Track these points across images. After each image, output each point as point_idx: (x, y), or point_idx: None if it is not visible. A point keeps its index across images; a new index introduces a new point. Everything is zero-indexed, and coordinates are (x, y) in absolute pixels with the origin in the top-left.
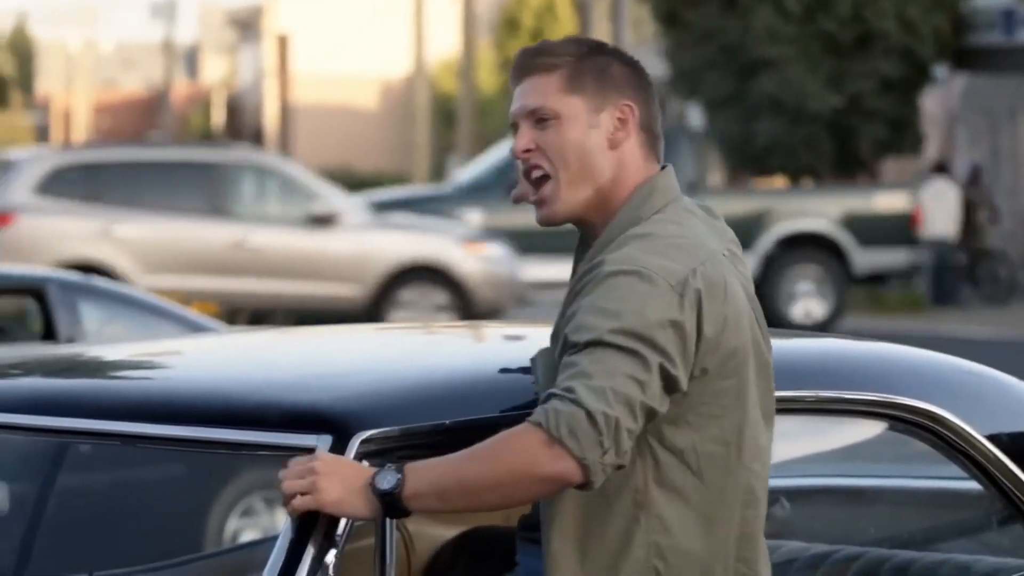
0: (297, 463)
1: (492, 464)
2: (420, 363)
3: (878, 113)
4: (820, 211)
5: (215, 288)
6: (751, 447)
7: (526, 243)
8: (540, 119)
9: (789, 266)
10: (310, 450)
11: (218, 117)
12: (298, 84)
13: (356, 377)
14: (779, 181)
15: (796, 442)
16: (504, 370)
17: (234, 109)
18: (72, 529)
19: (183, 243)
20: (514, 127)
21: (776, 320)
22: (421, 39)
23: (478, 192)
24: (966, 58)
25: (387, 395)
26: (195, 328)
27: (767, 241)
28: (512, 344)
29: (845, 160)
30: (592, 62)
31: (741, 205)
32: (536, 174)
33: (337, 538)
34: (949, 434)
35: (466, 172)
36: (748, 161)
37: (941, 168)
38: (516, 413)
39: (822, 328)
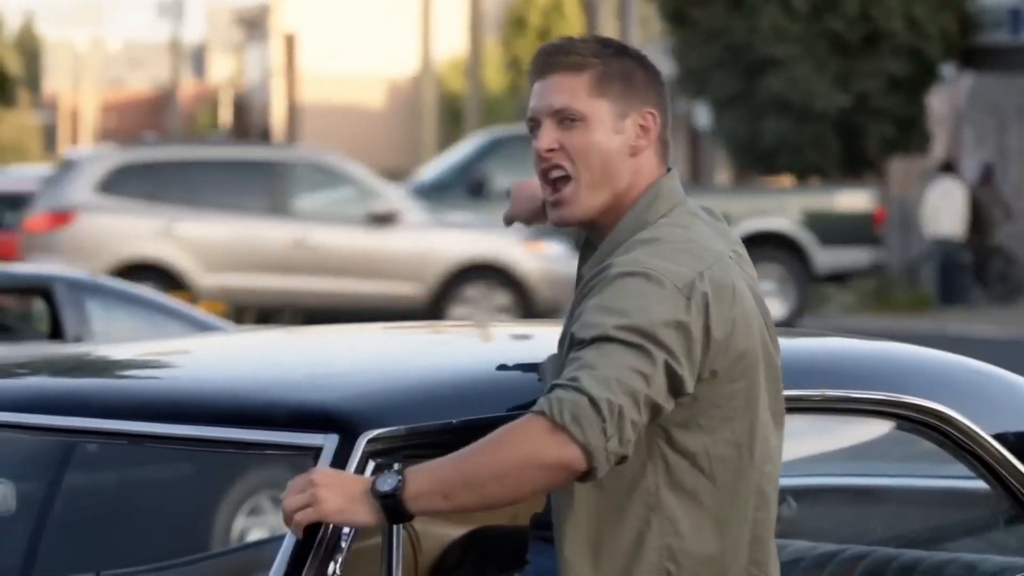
0: (296, 481)
1: (496, 455)
2: (427, 362)
3: (885, 112)
4: (781, 210)
5: (275, 287)
6: (762, 449)
7: None
8: (566, 119)
9: None
10: (317, 449)
11: (225, 116)
12: (305, 83)
13: (363, 376)
14: (786, 180)
15: (803, 441)
16: (511, 369)
17: (241, 108)
18: (79, 528)
19: (243, 242)
20: (533, 123)
21: None
22: (428, 38)
23: (439, 191)
24: (973, 57)
25: (394, 394)
26: (202, 327)
27: None
28: (519, 343)
29: (852, 159)
30: (618, 66)
31: (702, 204)
32: (556, 174)
33: (344, 537)
34: (956, 433)
35: (427, 171)
36: (755, 160)
37: (948, 167)
38: (523, 413)
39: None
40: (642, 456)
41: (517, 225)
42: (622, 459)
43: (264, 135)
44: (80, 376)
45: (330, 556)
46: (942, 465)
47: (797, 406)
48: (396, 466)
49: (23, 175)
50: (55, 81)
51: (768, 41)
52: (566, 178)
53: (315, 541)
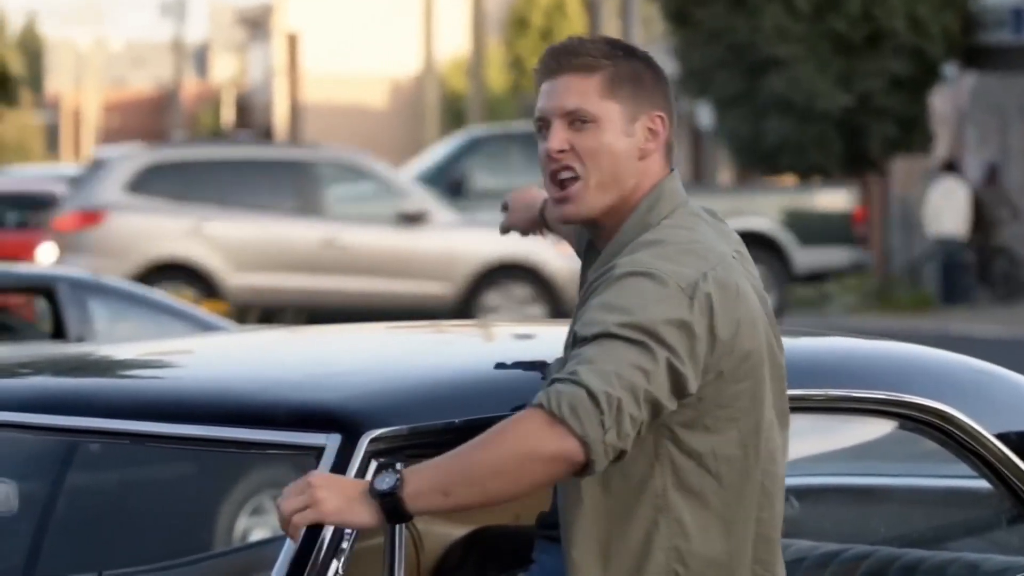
0: (292, 485)
1: (495, 450)
2: (429, 362)
3: (888, 112)
4: (760, 210)
5: (305, 286)
6: (767, 449)
7: None
8: (577, 120)
9: None
10: (319, 449)
11: (228, 116)
12: (308, 83)
13: (365, 376)
14: (789, 180)
15: (805, 441)
16: (513, 369)
17: (244, 108)
18: (81, 528)
19: (273, 241)
20: (542, 123)
21: None
22: (430, 38)
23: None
24: (976, 57)
25: (396, 394)
26: (205, 327)
27: None
28: (521, 343)
29: (854, 159)
30: (628, 68)
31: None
32: (565, 175)
33: (346, 537)
34: (959, 433)
35: (406, 171)
36: (758, 160)
37: (951, 167)
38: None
39: None
40: (649, 457)
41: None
42: (621, 454)
43: (267, 135)
44: (82, 376)
45: (332, 556)
46: (944, 465)
47: (800, 405)
48: (399, 466)
49: (25, 175)
50: (57, 81)
51: (770, 41)
52: (574, 178)
53: (317, 541)
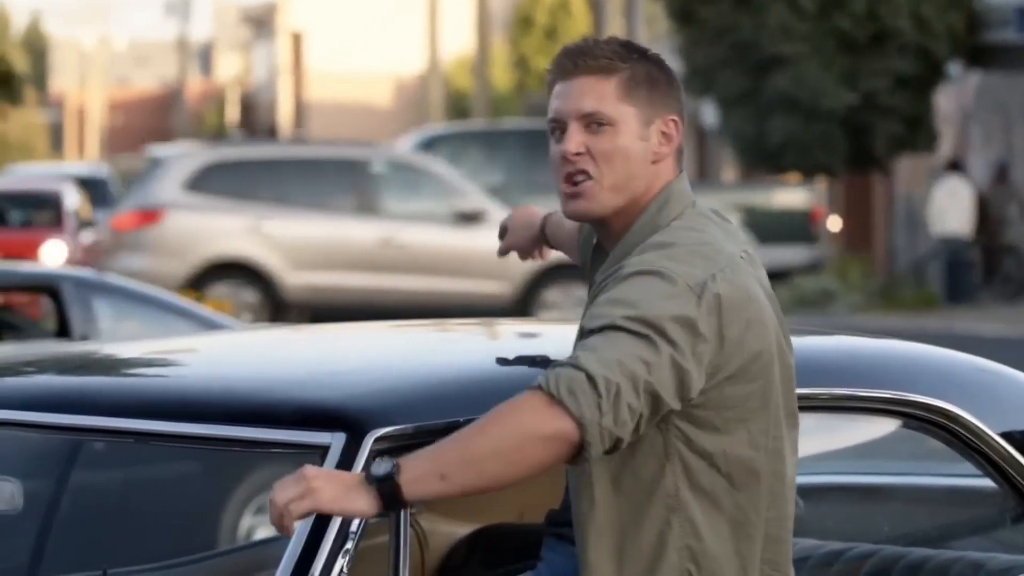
0: (285, 478)
1: (493, 430)
2: (434, 361)
3: (892, 111)
4: (718, 208)
5: (362, 285)
6: (777, 449)
7: None
8: (594, 123)
9: None
10: (324, 448)
11: (232, 114)
12: (312, 81)
13: (370, 375)
14: (793, 179)
15: (810, 440)
16: (518, 367)
17: (248, 106)
18: (86, 526)
19: (331, 240)
20: (556, 125)
21: None
22: (435, 36)
23: None
24: (980, 56)
25: (401, 393)
26: (209, 325)
27: None
28: (526, 341)
29: (859, 158)
30: (643, 71)
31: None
32: (580, 179)
33: (351, 535)
34: (963, 432)
35: None
36: (762, 159)
37: (955, 166)
38: None
39: None
40: (660, 457)
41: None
42: (617, 442)
43: (271, 133)
44: (87, 374)
45: (337, 554)
46: (949, 463)
47: (805, 404)
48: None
49: (30, 173)
50: (62, 80)
51: (775, 39)
52: (587, 179)
53: (322, 539)
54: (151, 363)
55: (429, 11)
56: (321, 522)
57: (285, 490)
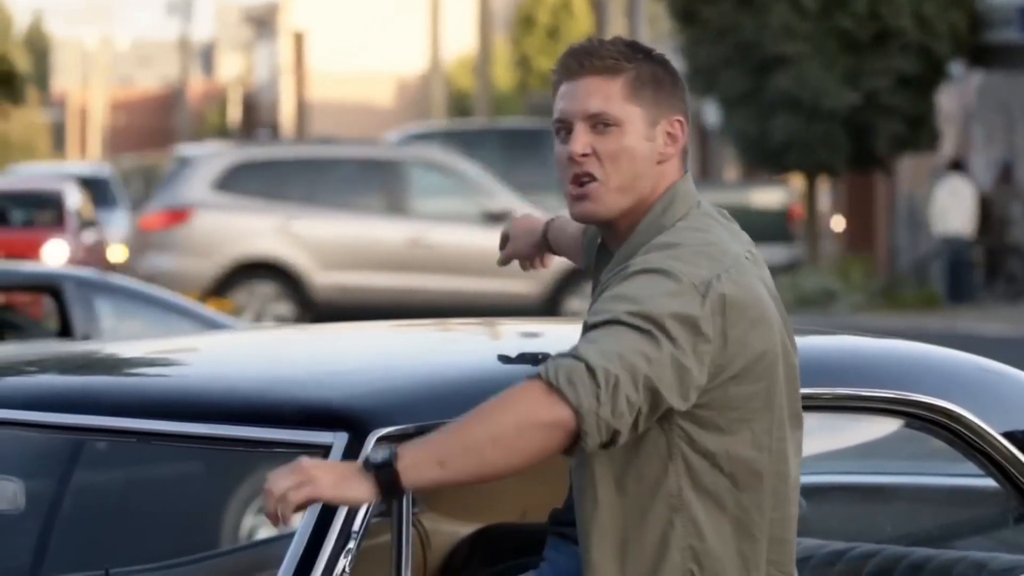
0: (279, 469)
1: (492, 417)
2: (436, 360)
3: (894, 110)
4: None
5: (390, 285)
6: (780, 450)
7: None
8: (600, 124)
9: None
10: (326, 447)
11: (234, 114)
12: (314, 81)
13: (372, 374)
14: (796, 178)
15: (813, 439)
16: (520, 367)
17: (250, 106)
18: (88, 526)
19: (360, 240)
20: (562, 125)
21: None
22: (437, 36)
23: None
24: (982, 55)
25: (403, 392)
26: (211, 325)
27: None
28: (528, 341)
29: (861, 157)
30: (649, 71)
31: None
32: (587, 180)
33: (353, 535)
34: (965, 431)
35: None
36: (764, 158)
37: (957, 165)
38: None
39: None
40: (663, 457)
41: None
42: (615, 435)
43: (273, 133)
44: (89, 374)
45: (339, 554)
46: (951, 463)
47: (807, 404)
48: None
49: (32, 173)
50: (64, 79)
51: (777, 39)
52: (594, 180)
53: (324, 538)
54: (153, 363)
55: (431, 11)
56: (323, 521)
57: (282, 479)
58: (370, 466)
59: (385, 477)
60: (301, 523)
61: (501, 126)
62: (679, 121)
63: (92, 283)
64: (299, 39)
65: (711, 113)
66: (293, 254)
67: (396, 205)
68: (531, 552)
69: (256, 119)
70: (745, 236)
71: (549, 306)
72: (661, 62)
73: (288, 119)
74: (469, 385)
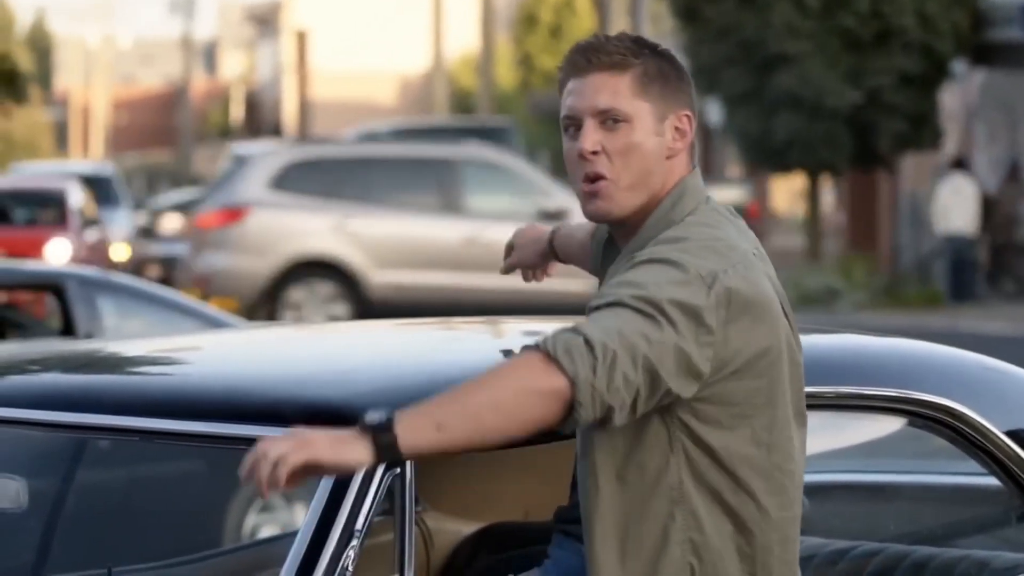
0: (270, 438)
1: (491, 383)
2: (438, 359)
3: (897, 109)
4: None
5: (446, 284)
6: (782, 447)
7: None
8: (609, 120)
9: None
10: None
11: (237, 113)
12: (317, 80)
13: (374, 373)
14: (798, 177)
15: (815, 438)
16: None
17: (253, 105)
18: (91, 525)
19: (416, 239)
20: (571, 122)
21: None
22: (439, 34)
23: None
24: (985, 54)
25: (406, 391)
26: (213, 324)
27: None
28: (531, 340)
29: (864, 156)
30: (656, 66)
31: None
32: (598, 178)
33: (356, 533)
34: (968, 430)
35: None
36: (766, 157)
37: (960, 164)
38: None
39: None
40: (664, 451)
41: None
42: (608, 412)
43: (276, 131)
44: (91, 373)
45: (342, 552)
46: (954, 462)
47: (810, 403)
48: None
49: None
50: (66, 78)
51: (780, 38)
52: (604, 178)
53: (327, 537)
54: (156, 361)
55: (433, 9)
56: (326, 519)
57: (277, 445)
58: (367, 428)
59: (383, 441)
60: (304, 522)
61: (456, 123)
62: (687, 116)
63: (95, 282)
64: (302, 38)
65: (713, 112)
66: (349, 253)
67: (451, 204)
68: (535, 550)
69: (259, 118)
70: (751, 234)
71: None
72: (667, 57)
73: (291, 118)
74: None
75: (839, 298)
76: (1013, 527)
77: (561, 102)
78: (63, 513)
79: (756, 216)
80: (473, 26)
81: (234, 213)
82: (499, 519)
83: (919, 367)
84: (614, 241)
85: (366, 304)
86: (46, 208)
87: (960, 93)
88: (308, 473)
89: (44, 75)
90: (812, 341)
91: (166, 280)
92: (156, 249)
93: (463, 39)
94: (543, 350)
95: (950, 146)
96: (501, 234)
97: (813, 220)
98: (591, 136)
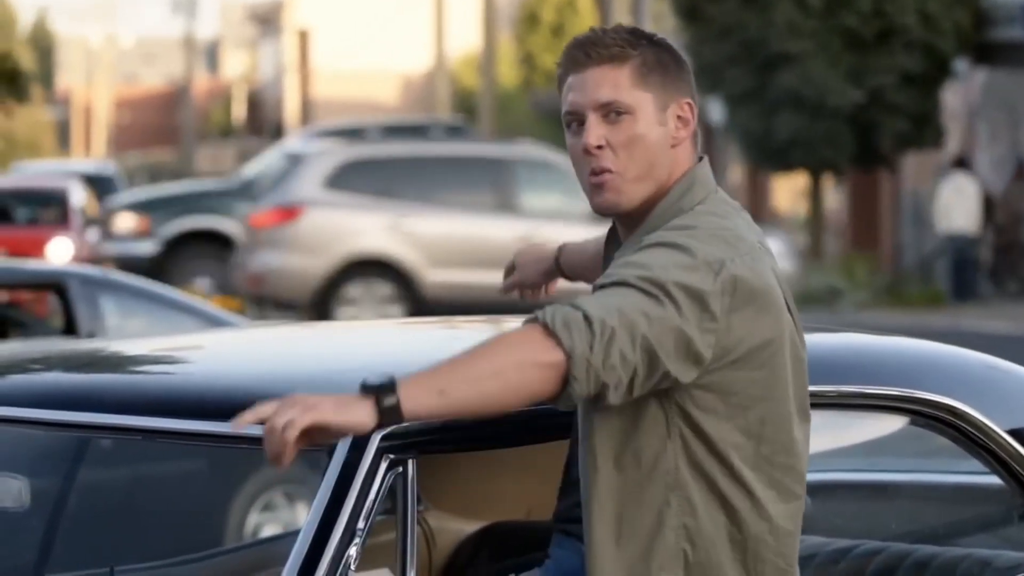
0: (268, 404)
1: (491, 352)
2: (441, 358)
3: (899, 108)
4: None
5: (500, 283)
6: (775, 441)
7: None
8: (612, 112)
9: None
10: (331, 445)
11: (239, 112)
12: (319, 79)
13: (376, 372)
14: (800, 176)
15: (818, 437)
16: None
17: (255, 104)
18: (93, 523)
19: (470, 238)
20: (573, 117)
21: None
22: (442, 34)
23: (262, 187)
24: (987, 53)
25: None
26: (215, 323)
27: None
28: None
29: (866, 155)
30: (654, 56)
31: None
32: (604, 172)
33: (359, 532)
34: (970, 429)
35: (252, 167)
36: (768, 156)
37: (961, 163)
38: (538, 406)
39: None
40: (662, 436)
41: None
42: (603, 389)
43: (278, 131)
44: (94, 372)
45: (344, 551)
46: (956, 461)
47: (812, 402)
48: None
49: (37, 171)
50: (68, 77)
51: (782, 37)
52: (609, 170)
53: (329, 536)
54: (158, 360)
55: (436, 8)
56: (328, 518)
57: (281, 413)
58: (369, 389)
59: (386, 402)
60: (306, 521)
61: (406, 122)
62: (688, 103)
63: (97, 281)
64: (304, 37)
65: (715, 111)
66: (403, 252)
67: (506, 203)
68: (536, 550)
69: (261, 117)
70: (757, 227)
71: None
72: (665, 46)
73: (292, 117)
74: None
75: (841, 297)
76: (1015, 526)
77: (561, 98)
78: (65, 512)
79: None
80: (475, 25)
81: (289, 212)
82: (501, 518)
83: (921, 366)
84: (617, 235)
85: (420, 303)
86: (48, 207)
87: (962, 92)
88: (315, 436)
89: (46, 74)
90: (814, 340)
91: None
92: (111, 248)
93: (465, 38)
94: (542, 322)
95: (952, 145)
96: (555, 233)
97: (815, 219)
98: (595, 130)
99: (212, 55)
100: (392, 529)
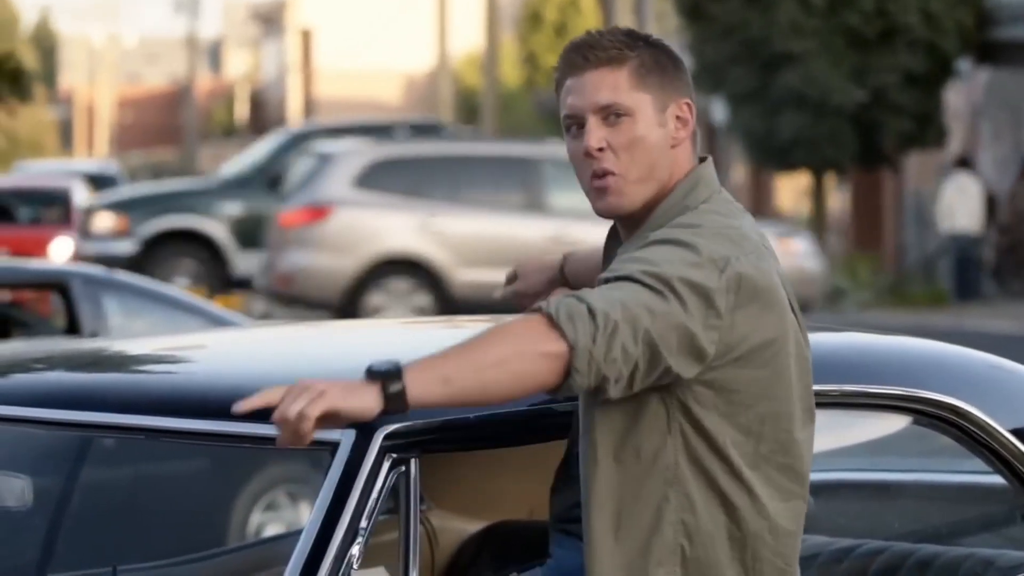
0: (274, 389)
1: (496, 341)
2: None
3: (902, 107)
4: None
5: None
6: (774, 440)
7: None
8: (612, 115)
9: None
10: (334, 444)
11: (241, 111)
12: (321, 78)
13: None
14: (803, 176)
15: (821, 436)
16: None
17: (257, 103)
18: (95, 523)
19: (500, 237)
20: (573, 121)
21: None
22: (444, 33)
23: (240, 186)
24: (990, 52)
25: None
26: (218, 322)
27: None
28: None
29: (868, 154)
30: (651, 57)
31: None
32: (606, 175)
33: (361, 531)
34: (973, 428)
35: (229, 166)
36: (771, 155)
37: (964, 162)
38: (541, 406)
39: None
40: (663, 430)
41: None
42: (604, 382)
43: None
44: (96, 371)
45: (347, 551)
46: (959, 460)
47: (816, 401)
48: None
49: (39, 170)
50: (71, 76)
51: (785, 36)
52: (612, 174)
53: (331, 536)
54: (161, 360)
55: (438, 8)
56: (331, 518)
57: (291, 401)
58: (375, 374)
59: (392, 389)
60: (309, 520)
61: (385, 120)
62: (687, 103)
63: (99, 280)
64: (306, 36)
65: (718, 110)
66: (433, 251)
67: (535, 203)
68: (539, 550)
69: (263, 117)
70: (758, 227)
71: None
72: (662, 47)
73: (295, 116)
74: None
75: (844, 297)
76: (1018, 525)
77: (560, 102)
78: (68, 511)
79: None
80: (478, 25)
81: (318, 211)
82: (503, 518)
83: (924, 365)
84: (618, 235)
85: (449, 302)
86: (50, 207)
87: (965, 92)
88: (326, 422)
89: (49, 74)
90: (817, 339)
91: None
92: (90, 247)
93: (468, 38)
94: (546, 313)
95: (955, 145)
96: (584, 233)
97: (818, 219)
98: (596, 133)
99: (215, 55)
100: (395, 528)
